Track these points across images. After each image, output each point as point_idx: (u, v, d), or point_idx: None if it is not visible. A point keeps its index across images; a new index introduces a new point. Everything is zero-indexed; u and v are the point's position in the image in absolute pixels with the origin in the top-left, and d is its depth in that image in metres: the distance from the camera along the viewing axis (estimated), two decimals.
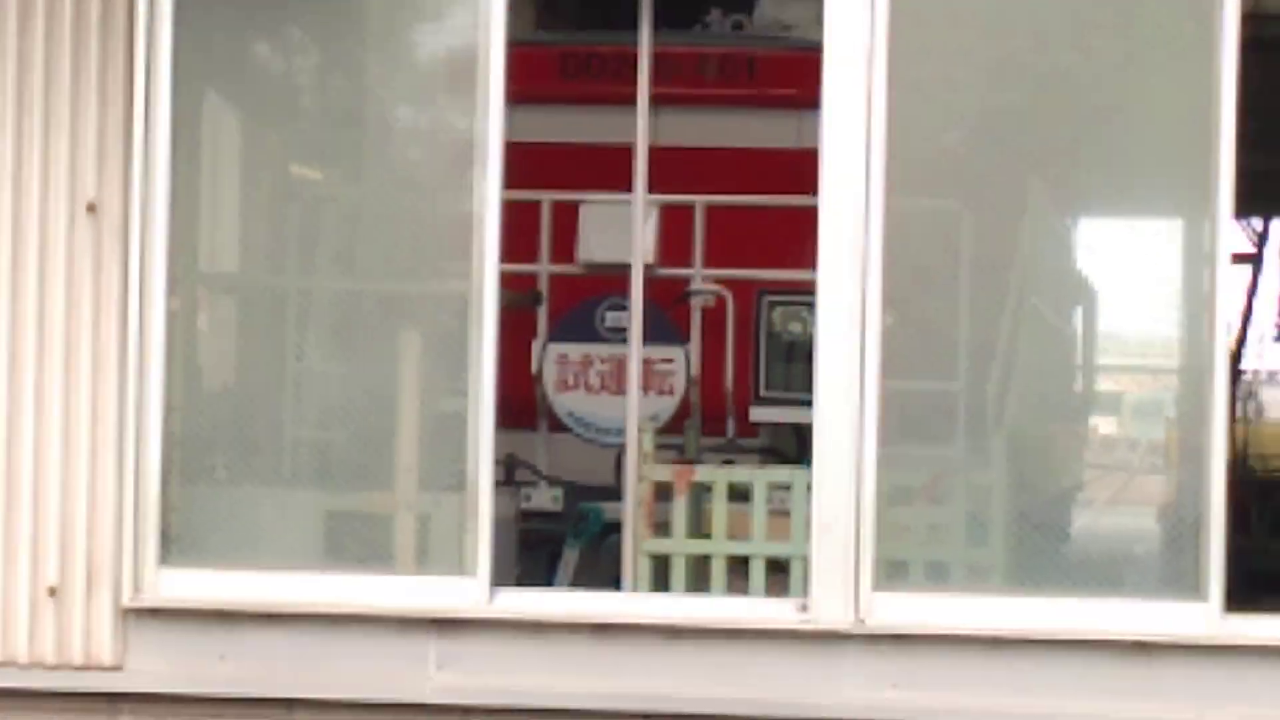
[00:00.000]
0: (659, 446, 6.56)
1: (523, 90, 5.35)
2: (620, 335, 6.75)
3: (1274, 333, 12.40)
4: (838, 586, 4.92)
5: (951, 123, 5.61)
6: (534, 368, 7.10)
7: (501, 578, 5.31)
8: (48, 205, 5.08)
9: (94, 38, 5.29)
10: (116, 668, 5.14)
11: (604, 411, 7.06)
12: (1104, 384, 6.15)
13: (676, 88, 6.73)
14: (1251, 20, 5.03)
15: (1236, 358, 8.27)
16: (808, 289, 5.27)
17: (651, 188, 6.39)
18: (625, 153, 6.06)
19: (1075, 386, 6.62)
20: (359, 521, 5.44)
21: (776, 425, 7.29)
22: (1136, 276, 5.53)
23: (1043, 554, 5.36)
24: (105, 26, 5.28)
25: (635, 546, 5.60)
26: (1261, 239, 10.23)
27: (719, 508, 5.51)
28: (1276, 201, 9.21)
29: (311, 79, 6.16)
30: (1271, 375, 14.04)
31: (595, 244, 7.02)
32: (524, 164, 5.53)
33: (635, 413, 6.24)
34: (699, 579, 5.50)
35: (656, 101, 6.05)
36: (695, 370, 7.27)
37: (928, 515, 5.37)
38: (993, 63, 5.58)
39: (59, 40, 5.36)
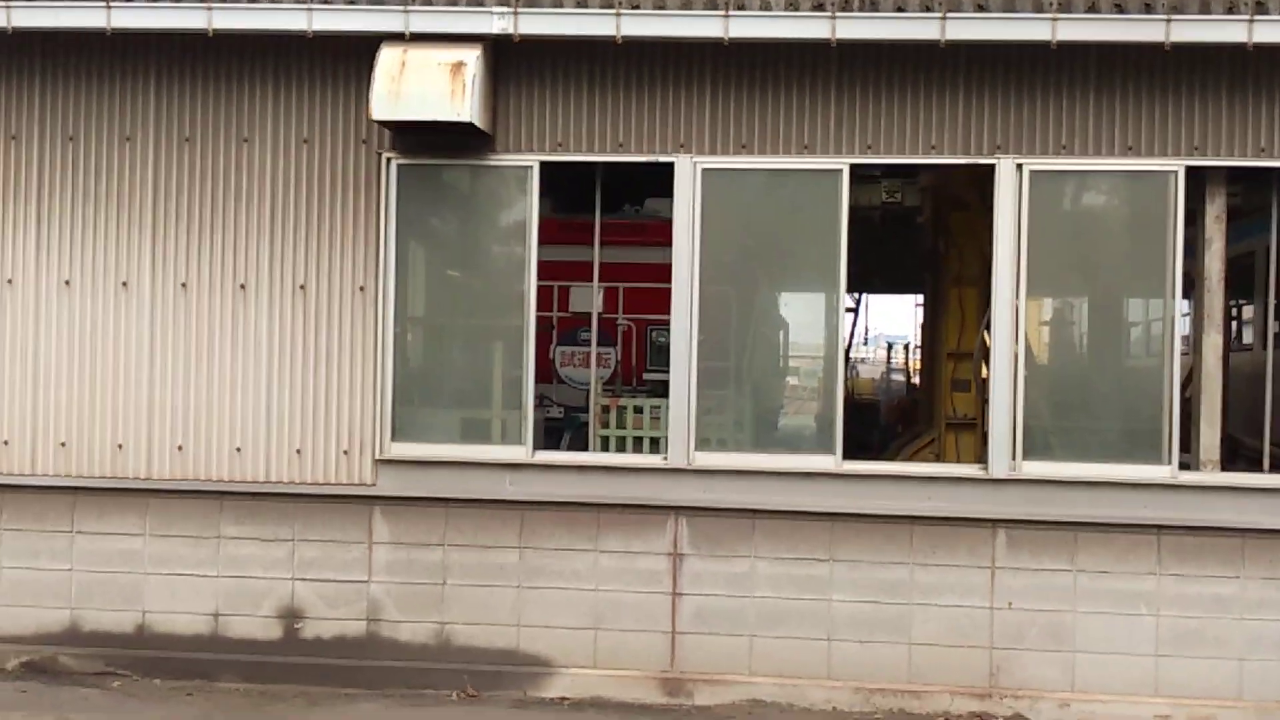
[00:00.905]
0: (604, 390, 11.07)
1: (544, 238, 8.74)
2: (587, 342, 11.54)
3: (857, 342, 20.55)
4: (680, 447, 8.57)
5: (726, 252, 8.75)
6: (550, 355, 11.96)
7: (537, 446, 8.78)
8: (343, 287, 8.78)
9: (362, 199, 8.78)
10: (373, 485, 8.77)
11: (580, 375, 11.97)
12: (792, 363, 9.95)
13: (611, 235, 9.60)
14: (853, 209, 8.54)
15: (846, 352, 11.85)
16: (668, 323, 8.67)
17: (601, 279, 9.70)
18: (588, 265, 9.49)
19: (779, 363, 10.32)
20: (475, 423, 9.02)
21: (655, 382, 11.51)
22: (805, 317, 9.39)
23: (766, 431, 9.25)
24: (369, 200, 8.76)
25: (594, 433, 9.58)
26: (856, 302, 17.33)
27: (627, 416, 9.78)
28: (861, 283, 15.30)
29: (454, 228, 9.01)
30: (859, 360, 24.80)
31: (576, 303, 11.75)
32: (544, 269, 8.80)
33: (595, 376, 10.36)
34: (620, 447, 9.65)
35: (604, 243, 9.33)
36: (620, 358, 12.14)
37: (719, 418, 8.78)
38: (744, 231, 8.86)
39: (347, 205, 8.82)
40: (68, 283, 9.04)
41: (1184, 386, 8.66)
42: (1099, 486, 8.47)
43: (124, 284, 8.99)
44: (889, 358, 29.64)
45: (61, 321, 9.04)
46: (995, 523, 8.53)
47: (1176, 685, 8.44)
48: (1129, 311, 9.24)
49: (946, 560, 8.56)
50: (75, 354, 9.03)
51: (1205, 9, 8.09)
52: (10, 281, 9.10)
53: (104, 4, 8.52)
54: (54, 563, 9.04)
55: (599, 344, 11.41)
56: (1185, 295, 8.88)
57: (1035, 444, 8.53)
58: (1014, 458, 8.50)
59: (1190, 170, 8.47)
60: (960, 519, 8.53)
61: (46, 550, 9.05)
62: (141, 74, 9.00)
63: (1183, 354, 8.53)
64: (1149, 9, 8.14)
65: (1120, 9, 8.14)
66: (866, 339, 30.24)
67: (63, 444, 9.01)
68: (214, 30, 8.51)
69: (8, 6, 8.55)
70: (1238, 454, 9.59)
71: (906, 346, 28.95)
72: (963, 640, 8.56)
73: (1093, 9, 8.12)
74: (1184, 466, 8.57)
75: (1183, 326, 8.67)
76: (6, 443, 9.08)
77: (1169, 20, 8.06)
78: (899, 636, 8.61)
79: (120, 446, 8.97)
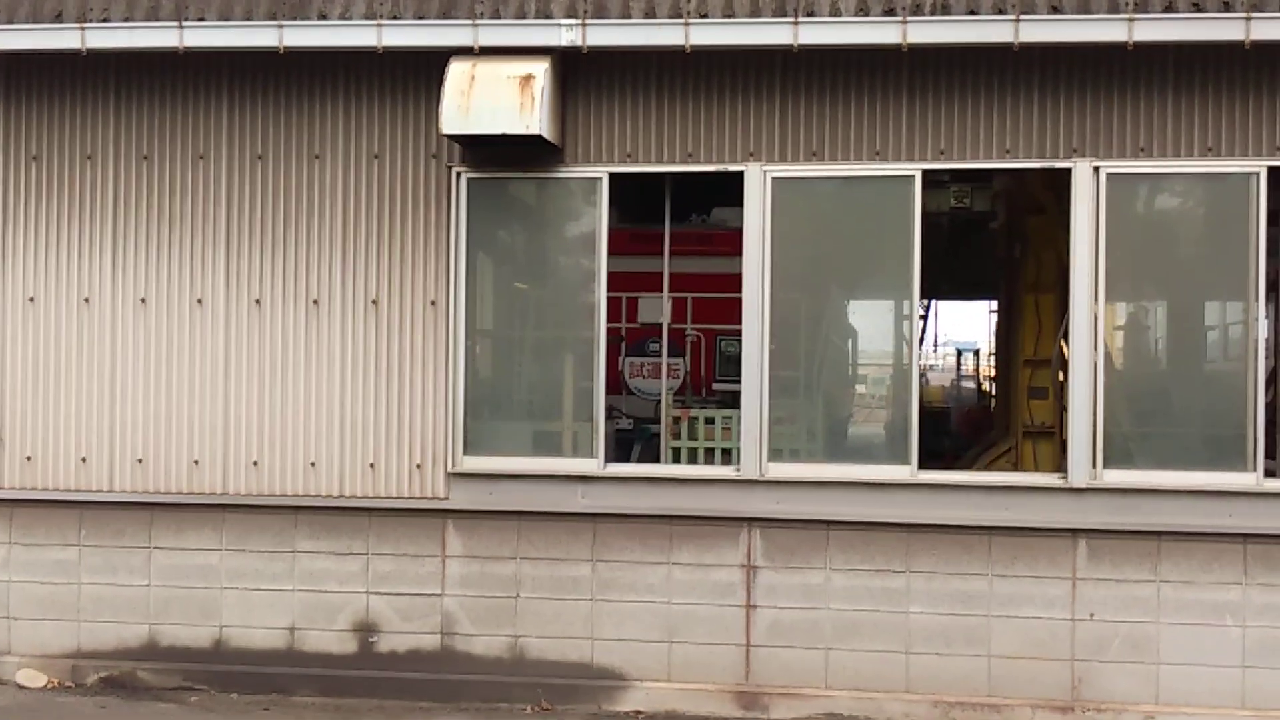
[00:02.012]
0: (674, 401, 11.00)
1: (612, 249, 8.72)
2: (657, 353, 11.50)
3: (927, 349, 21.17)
4: (753, 458, 8.45)
5: (797, 260, 8.65)
6: (620, 366, 11.92)
7: (608, 458, 8.77)
8: (414, 301, 8.80)
9: (434, 217, 8.79)
10: (445, 499, 8.77)
11: (649, 387, 11.91)
12: (862, 370, 10.25)
13: (680, 245, 9.74)
14: (927, 214, 8.49)
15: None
16: (737, 333, 8.63)
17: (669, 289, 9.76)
18: (657, 275, 9.56)
19: (849, 371, 10.42)
20: (546, 435, 8.97)
21: (724, 392, 11.53)
22: (877, 324, 9.50)
23: (838, 440, 9.22)
24: (439, 214, 8.77)
25: (665, 444, 9.38)
26: (926, 309, 16.94)
27: (699, 427, 9.62)
28: (931, 289, 14.64)
29: (523, 241, 9.16)
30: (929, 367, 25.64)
31: (645, 314, 11.70)
32: (612, 280, 8.76)
33: (665, 387, 10.36)
34: (691, 459, 9.52)
35: (672, 253, 9.39)
36: (689, 368, 12.06)
37: (790, 428, 8.70)
38: (814, 239, 8.85)
39: (417, 219, 8.84)
40: (143, 300, 9.15)
41: (1266, 390, 8.45)
42: (1181, 494, 8.31)
43: (199, 301, 9.07)
44: (959, 364, 29.34)
45: (137, 339, 9.15)
46: (1075, 532, 8.40)
47: (1264, 696, 8.27)
48: (1209, 315, 9.06)
49: (1026, 571, 8.44)
50: (151, 371, 9.13)
51: None
52: (87, 300, 9.22)
53: (176, 24, 8.62)
54: (132, 578, 9.14)
55: (668, 355, 11.36)
56: (1267, 298, 8.67)
57: (1115, 452, 8.39)
58: (1094, 466, 8.37)
59: (1272, 170, 8.31)
60: (1040, 529, 8.41)
61: (124, 566, 9.15)
62: (214, 93, 9.10)
63: (1265, 358, 8.34)
64: (1227, 7, 8.00)
65: (1198, 8, 8.00)
66: (936, 345, 29.96)
67: (140, 460, 9.12)
68: (285, 48, 8.58)
69: (82, 29, 8.66)
70: None
71: (977, 353, 28.65)
72: (1043, 652, 8.43)
73: (1170, 8, 8.00)
74: (1269, 474, 8.39)
75: (1265, 330, 8.44)
76: (85, 460, 9.18)
77: (1249, 19, 7.91)
78: (978, 649, 8.50)
79: (196, 462, 9.06)
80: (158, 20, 8.66)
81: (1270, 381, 8.53)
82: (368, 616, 9.00)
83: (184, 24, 8.62)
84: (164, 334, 9.14)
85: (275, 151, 9.04)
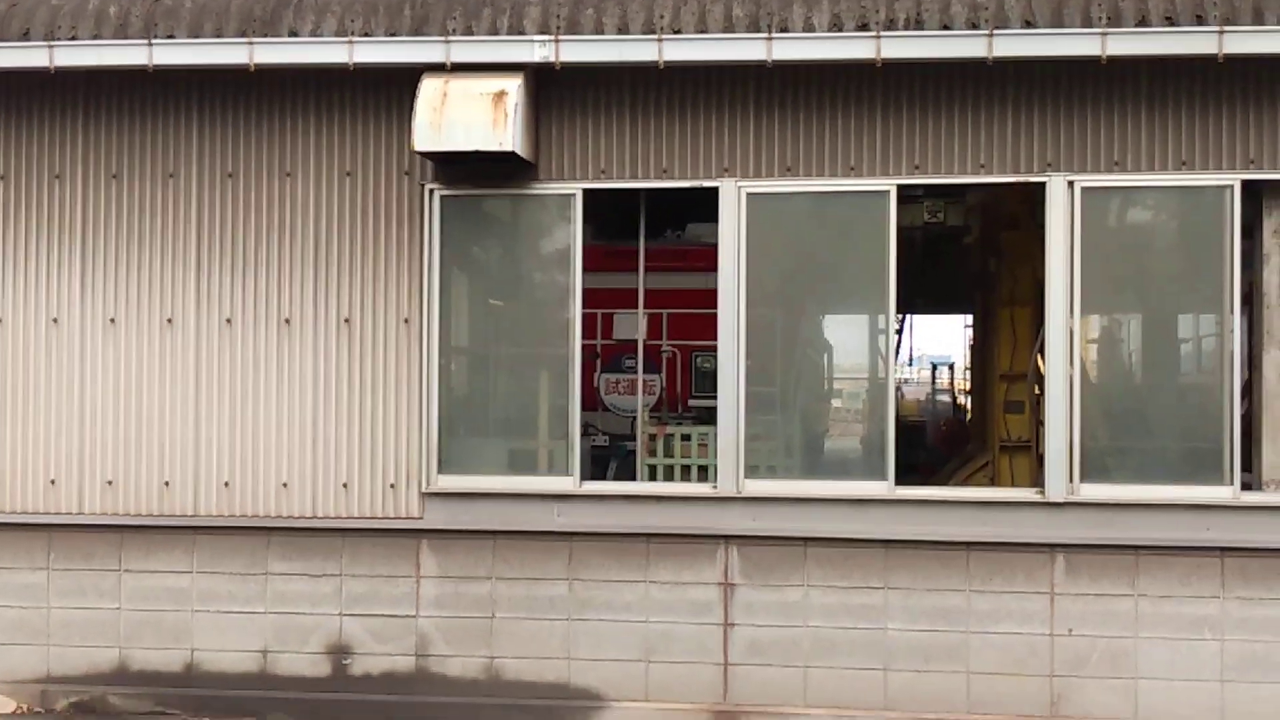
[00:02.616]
0: (650, 417, 10.95)
1: (587, 265, 8.63)
2: (633, 369, 11.45)
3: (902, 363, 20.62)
4: (729, 475, 8.44)
5: (772, 276, 8.61)
6: (595, 383, 11.85)
7: (584, 476, 8.66)
8: (387, 320, 8.72)
9: (407, 235, 8.72)
10: (420, 518, 8.68)
11: (625, 403, 11.85)
12: (838, 385, 10.21)
13: (654, 261, 9.87)
14: (900, 229, 8.41)
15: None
16: (713, 349, 8.57)
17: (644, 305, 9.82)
18: (632, 291, 9.60)
19: (824, 386, 10.34)
20: (522, 453, 8.93)
21: (700, 408, 11.50)
22: (852, 339, 9.42)
23: (815, 456, 9.20)
24: (412, 232, 8.70)
25: (641, 461, 9.48)
26: (901, 323, 16.74)
27: (675, 444, 9.61)
28: (905, 304, 14.09)
29: (497, 258, 9.02)
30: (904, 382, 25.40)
31: (620, 330, 11.66)
32: (587, 297, 8.66)
33: (641, 403, 10.36)
34: (668, 476, 9.57)
35: (647, 269, 9.49)
36: (664, 385, 12.02)
37: (767, 444, 8.65)
38: (789, 255, 8.77)
39: (390, 237, 8.77)
40: (113, 320, 9.06)
41: (1241, 403, 8.46)
42: (1159, 509, 8.31)
43: (169, 321, 9.00)
44: (933, 379, 29.40)
45: (107, 359, 9.06)
46: (1053, 547, 8.39)
47: (1243, 711, 8.26)
48: (1184, 328, 9.05)
49: (1004, 586, 8.41)
50: (121, 392, 9.05)
51: (1259, 20, 7.95)
52: (56, 320, 9.13)
53: (145, 42, 8.55)
54: (102, 601, 9.04)
55: (644, 371, 11.34)
56: (1241, 310, 8.67)
57: (1093, 466, 8.38)
58: (1071, 481, 8.36)
59: (1246, 184, 8.32)
60: (1018, 544, 8.38)
61: (94, 589, 9.05)
62: (184, 111, 9.03)
63: (1240, 371, 8.33)
64: (1201, 21, 8.00)
65: (1171, 22, 8.01)
66: (911, 360, 30.02)
67: (109, 482, 9.03)
68: (255, 66, 8.52)
69: (50, 46, 8.59)
70: None
71: (951, 367, 28.71)
72: (1022, 668, 8.39)
73: (1143, 23, 8.00)
74: (1246, 487, 8.37)
75: (1240, 343, 8.43)
76: (54, 482, 9.09)
77: (1221, 32, 7.92)
78: (957, 665, 8.45)
79: (167, 484, 8.97)
80: (126, 38, 8.60)
81: (1245, 394, 8.51)
82: (341, 638, 8.90)
83: (153, 41, 8.56)
84: (134, 354, 9.06)
85: (246, 169, 8.98)
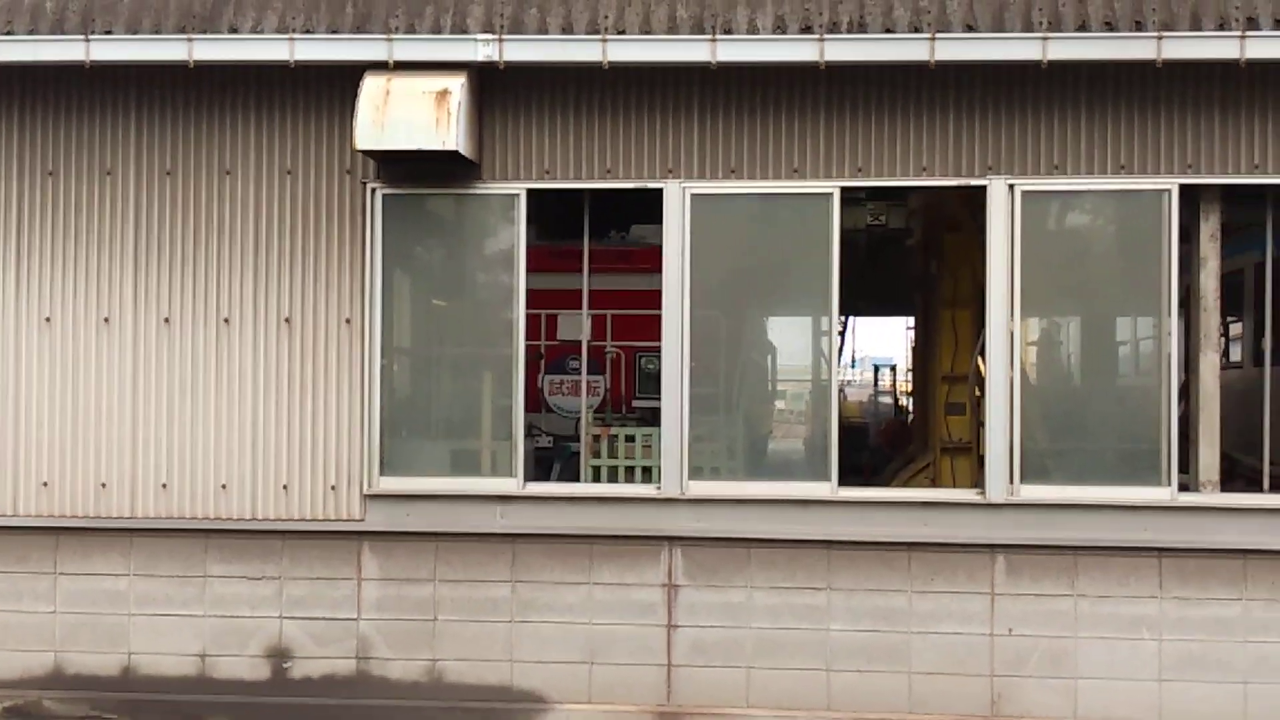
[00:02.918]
0: (594, 418, 10.93)
1: (531, 265, 8.62)
2: (577, 370, 11.43)
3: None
4: (673, 476, 8.46)
5: (716, 277, 8.62)
6: (539, 384, 11.84)
7: (528, 477, 8.66)
8: (329, 320, 8.65)
9: (349, 234, 8.65)
10: (361, 520, 8.64)
11: (569, 404, 11.84)
12: (782, 387, 10.28)
13: (599, 262, 9.66)
14: (843, 231, 8.49)
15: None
16: (657, 350, 8.60)
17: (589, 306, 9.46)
18: (576, 292, 9.31)
19: (768, 388, 10.40)
20: (465, 454, 8.84)
21: (644, 409, 11.52)
22: (796, 341, 9.39)
23: (758, 458, 9.27)
24: (354, 231, 8.63)
25: (585, 463, 9.30)
26: (844, 325, 16.81)
27: (619, 445, 9.51)
28: (848, 306, 13.76)
29: (441, 258, 9.06)
30: (846, 383, 25.69)
31: (564, 331, 11.65)
32: (532, 297, 8.66)
33: (585, 404, 10.22)
34: (612, 477, 9.38)
35: (591, 270, 9.21)
36: (609, 385, 12.01)
37: (711, 446, 8.74)
38: (734, 256, 8.82)
39: (331, 236, 8.68)
40: (48, 319, 8.93)
41: (1179, 405, 8.53)
42: (1098, 509, 8.37)
43: (105, 320, 8.89)
44: (876, 380, 29.57)
45: (42, 359, 8.94)
46: (994, 548, 8.45)
47: (1180, 710, 8.35)
48: (1122, 331, 9.15)
49: (945, 587, 8.45)
50: (56, 392, 8.93)
51: (1196, 26, 8.04)
52: None
53: (83, 37, 8.46)
54: (37, 605, 8.91)
55: (588, 372, 11.31)
56: (1178, 313, 8.76)
57: (1032, 468, 8.46)
58: (1011, 482, 8.43)
59: (1184, 188, 8.42)
60: (959, 545, 8.43)
61: (29, 592, 8.91)
62: (121, 107, 8.90)
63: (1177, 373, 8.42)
64: (1139, 27, 8.08)
65: (1111, 27, 8.09)
66: (854, 362, 30.18)
67: (45, 484, 8.90)
68: (195, 62, 8.44)
69: None
70: (1234, 473, 9.49)
71: (893, 369, 28.89)
72: (963, 668, 8.45)
73: (1083, 27, 8.08)
74: (1183, 488, 8.46)
75: (1177, 345, 8.52)
76: None
77: (1160, 38, 8.01)
78: (898, 665, 8.50)
79: (103, 485, 8.86)
80: (63, 33, 8.48)
81: (1183, 396, 8.61)
82: (281, 642, 8.83)
83: (90, 37, 8.45)
84: (69, 353, 8.93)
85: (185, 167, 8.88)
